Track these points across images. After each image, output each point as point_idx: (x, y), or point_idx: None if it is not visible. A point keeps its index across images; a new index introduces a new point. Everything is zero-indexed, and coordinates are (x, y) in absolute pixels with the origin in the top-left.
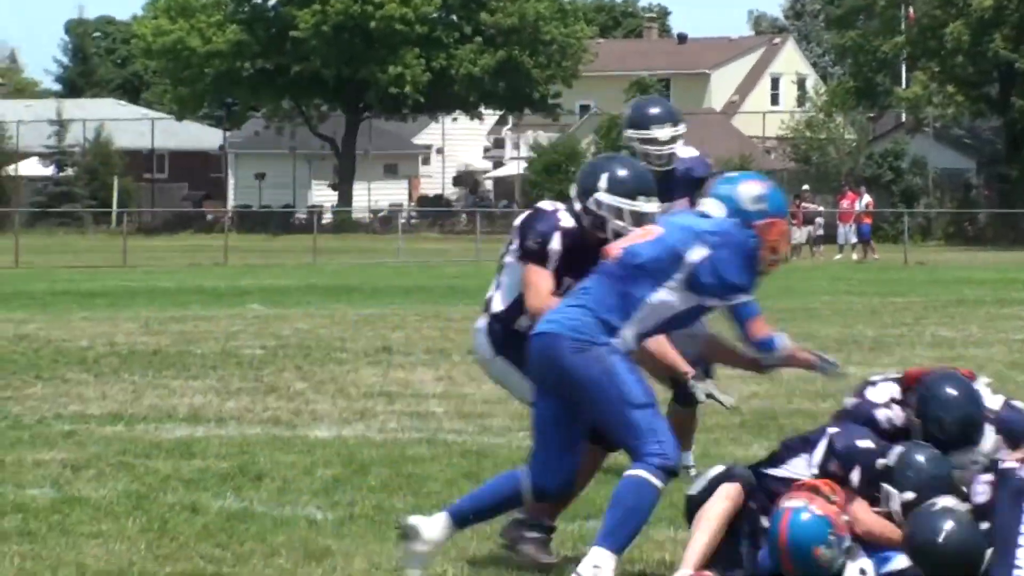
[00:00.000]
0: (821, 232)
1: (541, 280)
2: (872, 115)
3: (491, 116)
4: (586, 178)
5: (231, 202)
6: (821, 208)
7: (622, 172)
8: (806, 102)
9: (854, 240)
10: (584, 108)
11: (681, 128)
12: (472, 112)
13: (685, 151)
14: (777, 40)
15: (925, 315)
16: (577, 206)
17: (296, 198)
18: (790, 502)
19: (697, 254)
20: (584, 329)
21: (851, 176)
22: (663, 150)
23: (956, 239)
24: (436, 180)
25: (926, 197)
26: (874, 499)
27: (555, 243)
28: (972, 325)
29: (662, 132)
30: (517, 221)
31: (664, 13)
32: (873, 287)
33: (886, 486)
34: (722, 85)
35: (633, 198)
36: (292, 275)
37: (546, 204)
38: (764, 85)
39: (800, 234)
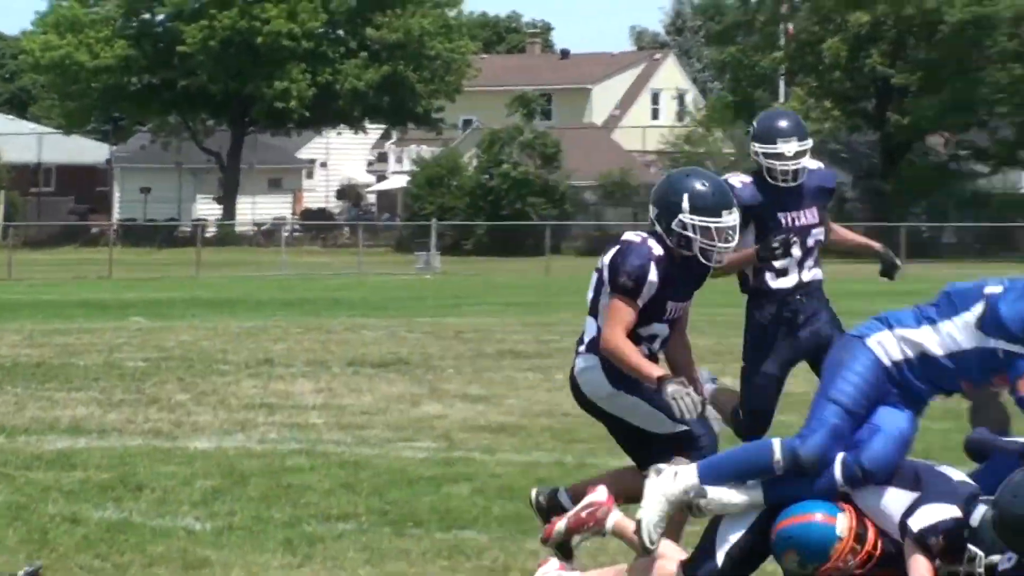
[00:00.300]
0: None
1: (625, 316)
2: (750, 130)
3: (375, 130)
4: (667, 200)
5: (116, 216)
6: None
7: (702, 189)
8: (686, 117)
9: None
10: (467, 122)
11: (808, 143)
12: (356, 126)
13: (811, 162)
14: (658, 55)
15: None
16: (659, 228)
17: (181, 212)
18: (837, 521)
19: (996, 288)
20: (864, 325)
21: None
22: (788, 165)
23: (831, 252)
24: (320, 194)
25: None
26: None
27: (652, 275)
28: None
29: (788, 147)
30: (606, 258)
31: (547, 29)
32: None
33: (972, 547)
34: (603, 100)
35: (718, 215)
36: (176, 288)
37: (632, 236)
38: (645, 100)
39: None
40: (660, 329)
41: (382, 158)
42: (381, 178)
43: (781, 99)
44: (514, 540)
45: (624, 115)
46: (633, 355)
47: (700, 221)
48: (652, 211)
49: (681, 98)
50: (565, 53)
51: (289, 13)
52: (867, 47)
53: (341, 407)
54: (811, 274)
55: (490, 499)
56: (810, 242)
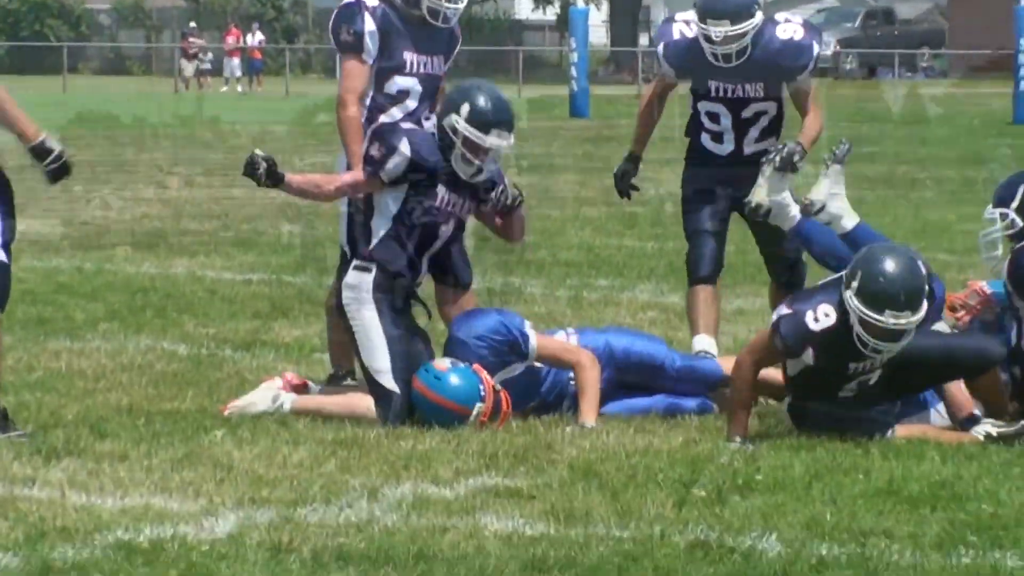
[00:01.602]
0: (208, 66)
1: (355, 73)
2: None
3: None
4: None
5: None
6: (207, 44)
7: None
8: None
9: (239, 74)
10: None
11: (749, 23)
12: None
13: (787, 30)
14: None
15: (304, 142)
16: None
17: None
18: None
19: None
20: None
21: (236, 14)
22: (716, 49)
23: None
24: None
25: (306, 34)
26: None
27: (369, 24)
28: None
29: (717, 29)
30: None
31: None
32: (256, 115)
33: None
34: None
35: None
36: None
37: None
38: None
39: (189, 68)
40: (408, 83)
41: None
42: None
43: None
44: (37, 341)
45: None
46: (354, 133)
47: None
48: None
49: None
50: None
51: None
52: None
53: None
54: (755, 147)
55: (13, 303)
56: (746, 113)
